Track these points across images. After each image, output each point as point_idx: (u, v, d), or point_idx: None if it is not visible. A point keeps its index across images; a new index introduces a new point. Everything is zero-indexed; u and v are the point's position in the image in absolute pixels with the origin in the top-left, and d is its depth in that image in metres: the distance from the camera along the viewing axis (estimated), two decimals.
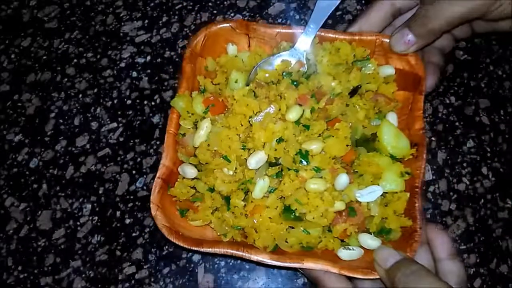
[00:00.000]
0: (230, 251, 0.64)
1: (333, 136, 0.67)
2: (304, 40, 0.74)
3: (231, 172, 0.68)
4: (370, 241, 0.65)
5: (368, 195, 0.66)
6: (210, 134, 0.69)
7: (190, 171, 0.70)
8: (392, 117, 0.73)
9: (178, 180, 0.72)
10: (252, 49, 0.80)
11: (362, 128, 0.71)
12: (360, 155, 0.69)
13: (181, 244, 0.65)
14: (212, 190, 0.69)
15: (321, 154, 0.67)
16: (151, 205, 0.67)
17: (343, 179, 0.65)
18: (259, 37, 0.78)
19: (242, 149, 0.68)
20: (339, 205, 0.66)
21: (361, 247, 0.67)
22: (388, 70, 0.75)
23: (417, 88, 0.73)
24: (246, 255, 0.63)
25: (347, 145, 0.67)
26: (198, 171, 0.71)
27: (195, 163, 0.71)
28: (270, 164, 0.69)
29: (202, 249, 0.64)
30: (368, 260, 0.65)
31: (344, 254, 0.66)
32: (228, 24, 0.77)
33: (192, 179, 0.71)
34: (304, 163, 0.66)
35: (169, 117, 0.72)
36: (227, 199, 0.69)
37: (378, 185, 0.67)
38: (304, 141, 0.67)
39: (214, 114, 0.71)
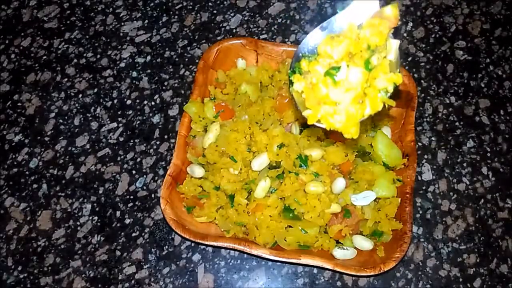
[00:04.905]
0: (232, 245, 0.69)
1: (334, 145, 0.72)
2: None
3: (236, 172, 0.73)
4: (363, 242, 0.71)
5: (363, 199, 0.71)
6: (219, 136, 0.75)
7: (198, 171, 0.75)
8: (386, 130, 0.79)
9: (186, 179, 0.77)
10: (259, 64, 0.86)
11: (360, 140, 0.76)
12: (356, 165, 0.74)
13: (187, 237, 0.70)
14: (217, 188, 0.75)
15: (320, 161, 0.72)
16: (160, 199, 0.72)
17: (340, 183, 0.71)
18: (266, 53, 0.85)
19: (247, 151, 0.73)
20: (336, 207, 0.71)
21: (355, 248, 0.72)
22: None
23: (409, 104, 0.79)
24: (247, 249, 0.69)
25: (346, 155, 0.72)
26: (206, 171, 0.76)
27: (203, 163, 0.76)
28: (271, 167, 0.73)
29: (206, 242, 0.70)
30: (361, 260, 0.70)
31: (339, 253, 0.71)
32: (239, 41, 0.84)
33: (200, 178, 0.76)
34: (304, 167, 0.72)
35: (181, 121, 0.78)
36: (231, 197, 0.74)
37: (372, 190, 0.72)
38: (307, 147, 0.73)
39: (223, 119, 0.77)
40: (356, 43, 0.49)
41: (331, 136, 0.74)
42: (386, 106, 0.51)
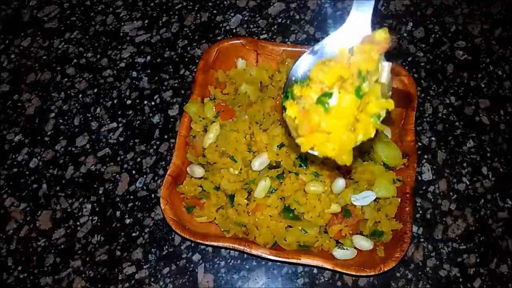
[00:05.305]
0: (232, 245, 0.69)
1: None
2: (359, 13, 0.55)
3: (236, 172, 0.73)
4: (363, 242, 0.71)
5: (363, 199, 0.71)
6: (219, 136, 0.75)
7: (198, 171, 0.75)
8: (386, 130, 0.79)
9: (186, 179, 0.77)
10: (259, 64, 0.86)
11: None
12: (356, 165, 0.74)
13: (187, 237, 0.70)
14: (217, 188, 0.75)
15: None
16: (160, 199, 0.72)
17: (340, 183, 0.71)
18: (266, 53, 0.84)
19: (247, 151, 0.73)
20: (335, 207, 0.71)
21: (355, 248, 0.72)
22: None
23: (409, 104, 0.78)
24: (247, 249, 0.69)
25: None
26: (206, 171, 0.76)
27: (203, 163, 0.76)
28: (271, 167, 0.73)
29: (206, 242, 0.70)
30: (361, 260, 0.70)
31: (339, 253, 0.71)
32: (239, 41, 0.83)
33: (200, 178, 0.76)
34: (304, 167, 0.72)
35: (181, 121, 0.78)
36: (231, 197, 0.73)
37: (372, 190, 0.72)
38: None
39: (223, 119, 0.77)
40: (347, 69, 0.49)
41: None
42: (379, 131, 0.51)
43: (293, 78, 0.57)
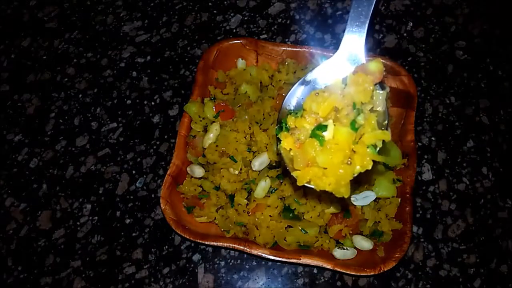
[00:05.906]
0: (232, 245, 0.69)
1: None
2: (352, 40, 0.56)
3: (236, 172, 0.73)
4: (363, 242, 0.71)
5: (363, 199, 0.71)
6: (219, 136, 0.75)
7: (198, 171, 0.76)
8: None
9: (186, 179, 0.77)
10: (259, 64, 0.86)
11: None
12: None
13: (187, 237, 0.70)
14: (217, 188, 0.75)
15: None
16: (160, 199, 0.72)
17: None
18: (266, 53, 0.84)
19: (247, 151, 0.74)
20: (335, 208, 0.70)
21: (355, 248, 0.72)
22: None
23: (410, 104, 0.78)
24: (247, 249, 0.69)
25: None
26: (206, 171, 0.76)
27: (203, 163, 0.77)
28: (271, 166, 0.73)
29: (206, 242, 0.70)
30: (361, 260, 0.70)
31: (339, 253, 0.71)
32: (239, 41, 0.83)
33: (200, 178, 0.76)
34: None
35: (181, 121, 0.78)
36: (231, 197, 0.74)
37: (372, 190, 0.72)
38: None
39: (223, 119, 0.77)
40: (341, 99, 0.49)
41: None
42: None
43: (287, 108, 0.57)
